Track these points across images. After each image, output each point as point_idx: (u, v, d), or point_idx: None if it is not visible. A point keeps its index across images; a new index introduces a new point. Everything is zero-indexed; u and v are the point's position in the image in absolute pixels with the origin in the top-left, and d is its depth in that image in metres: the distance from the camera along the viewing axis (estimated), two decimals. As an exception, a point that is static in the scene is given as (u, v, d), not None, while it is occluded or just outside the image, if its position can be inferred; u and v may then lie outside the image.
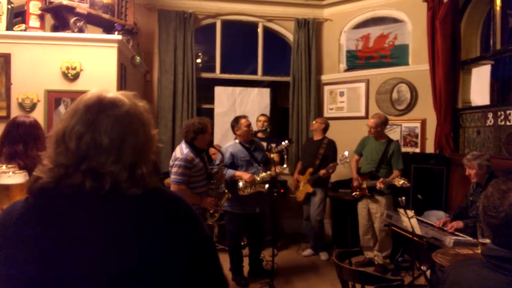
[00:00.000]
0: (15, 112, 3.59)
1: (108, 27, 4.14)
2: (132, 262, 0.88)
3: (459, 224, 3.20)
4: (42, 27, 3.84)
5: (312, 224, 4.68)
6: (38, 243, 0.87)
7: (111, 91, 1.01)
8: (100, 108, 0.95)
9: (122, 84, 4.02)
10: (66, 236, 0.88)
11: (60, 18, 3.74)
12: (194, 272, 0.96)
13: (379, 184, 4.06)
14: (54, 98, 3.69)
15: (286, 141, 4.28)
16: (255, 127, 4.62)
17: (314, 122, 4.93)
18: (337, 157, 4.56)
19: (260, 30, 5.94)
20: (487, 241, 1.36)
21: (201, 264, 0.98)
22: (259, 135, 4.90)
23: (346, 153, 4.45)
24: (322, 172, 4.48)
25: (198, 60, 6.12)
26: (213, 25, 5.83)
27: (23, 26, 3.71)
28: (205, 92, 5.93)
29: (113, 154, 0.92)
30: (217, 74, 5.90)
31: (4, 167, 1.78)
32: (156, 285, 0.90)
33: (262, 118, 5.04)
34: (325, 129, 4.79)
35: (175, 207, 0.98)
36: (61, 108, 3.70)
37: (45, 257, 0.86)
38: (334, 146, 4.70)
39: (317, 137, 4.79)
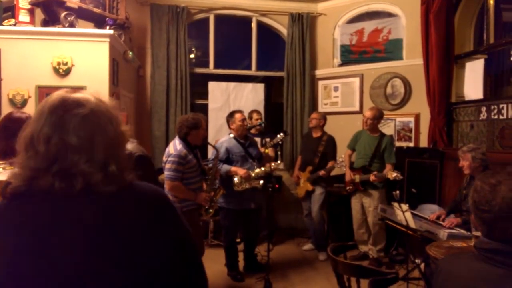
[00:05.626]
0: (6, 108, 3.55)
1: (99, 22, 4.10)
2: (106, 260, 0.88)
3: (457, 221, 3.21)
4: (32, 22, 3.79)
5: (314, 219, 4.62)
6: (11, 244, 0.87)
7: (75, 92, 1.00)
8: (64, 108, 0.94)
9: (114, 79, 3.98)
10: (38, 237, 0.87)
11: (50, 13, 3.68)
12: (173, 265, 0.97)
13: (372, 177, 4.07)
14: (45, 94, 3.63)
15: (281, 134, 4.22)
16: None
17: (312, 118, 4.74)
18: (336, 153, 4.54)
19: (254, 25, 5.90)
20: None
21: (179, 257, 0.99)
22: (252, 130, 4.85)
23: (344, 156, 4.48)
24: (322, 173, 4.45)
25: (192, 55, 6.08)
26: (206, 20, 5.79)
27: (12, 21, 3.65)
28: (199, 87, 5.89)
29: (84, 153, 0.92)
30: (211, 69, 5.87)
31: (-6, 163, 1.76)
32: (133, 280, 0.90)
33: (255, 116, 4.91)
34: (324, 124, 4.70)
35: (151, 201, 0.98)
36: (53, 104, 3.65)
37: (18, 257, 0.87)
38: (334, 142, 4.62)
39: (316, 134, 4.69)
